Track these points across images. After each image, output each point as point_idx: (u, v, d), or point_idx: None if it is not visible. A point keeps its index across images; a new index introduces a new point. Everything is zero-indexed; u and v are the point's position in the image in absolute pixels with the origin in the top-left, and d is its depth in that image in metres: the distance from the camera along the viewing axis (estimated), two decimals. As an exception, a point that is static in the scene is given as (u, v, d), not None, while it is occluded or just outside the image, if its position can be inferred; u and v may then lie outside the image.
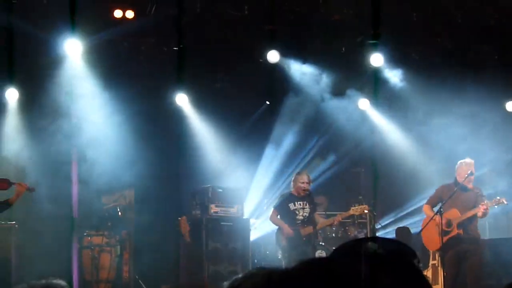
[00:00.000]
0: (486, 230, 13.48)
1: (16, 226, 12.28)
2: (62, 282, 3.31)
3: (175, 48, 13.28)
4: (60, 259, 12.67)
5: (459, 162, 11.35)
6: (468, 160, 11.31)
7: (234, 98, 14.97)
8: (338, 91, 15.15)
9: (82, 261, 12.01)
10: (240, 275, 2.74)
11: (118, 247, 11.83)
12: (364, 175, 15.60)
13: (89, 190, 13.98)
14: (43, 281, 3.30)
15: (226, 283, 2.70)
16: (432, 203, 11.28)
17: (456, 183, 11.16)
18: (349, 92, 15.22)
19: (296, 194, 11.97)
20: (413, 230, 13.73)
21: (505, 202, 11.09)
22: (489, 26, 13.42)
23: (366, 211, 12.69)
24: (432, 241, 11.15)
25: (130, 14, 12.81)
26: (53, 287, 3.25)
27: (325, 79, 14.91)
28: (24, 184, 11.43)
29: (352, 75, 15.00)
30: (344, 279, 1.39)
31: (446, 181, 11.54)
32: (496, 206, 11.13)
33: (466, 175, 11.03)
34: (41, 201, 12.96)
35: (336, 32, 13.92)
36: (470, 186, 11.09)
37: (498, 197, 11.13)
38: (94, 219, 12.70)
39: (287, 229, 11.74)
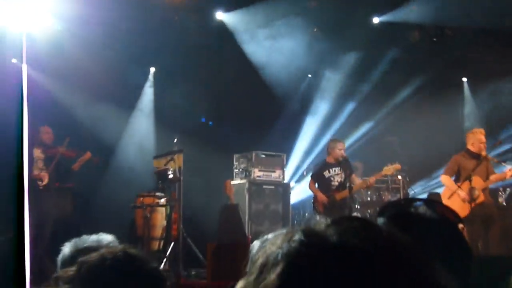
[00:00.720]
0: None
1: (73, 187, 12.51)
2: (110, 236, 3.45)
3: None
4: (114, 217, 12.90)
5: (468, 132, 11.37)
6: (477, 129, 11.32)
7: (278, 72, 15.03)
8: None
9: (135, 219, 12.17)
10: (269, 235, 2.77)
11: (168, 207, 11.95)
12: (397, 143, 15.58)
13: (142, 154, 14.21)
14: (94, 235, 3.44)
15: (256, 241, 2.76)
16: (450, 173, 11.24)
17: (467, 151, 11.17)
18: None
19: (332, 161, 12.04)
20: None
21: None
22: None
23: (398, 171, 12.66)
24: (458, 208, 10.97)
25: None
26: (102, 240, 3.38)
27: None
28: (89, 153, 11.88)
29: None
30: (381, 241, 1.29)
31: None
32: None
33: (478, 143, 11.05)
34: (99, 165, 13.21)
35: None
36: (482, 153, 11.06)
37: None
38: (146, 181, 12.90)
39: (321, 196, 11.94)
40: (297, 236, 1.30)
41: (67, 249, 3.35)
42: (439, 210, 2.29)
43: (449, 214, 2.31)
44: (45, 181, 11.77)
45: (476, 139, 11.10)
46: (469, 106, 16.54)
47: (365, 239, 1.26)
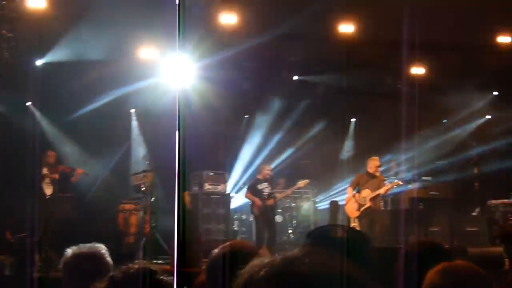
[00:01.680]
0: (389, 203, 13.73)
1: (72, 196, 12.47)
2: (100, 245, 3.44)
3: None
4: (103, 218, 12.87)
5: (368, 158, 11.69)
6: (374, 157, 11.66)
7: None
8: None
9: (118, 220, 12.20)
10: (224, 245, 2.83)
11: (142, 211, 11.98)
12: (310, 165, 15.83)
13: (124, 173, 14.16)
14: (88, 244, 3.44)
15: (215, 250, 2.84)
16: (352, 186, 11.64)
17: (367, 172, 11.51)
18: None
19: (261, 178, 12.21)
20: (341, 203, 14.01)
21: (400, 183, 11.72)
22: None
23: (307, 184, 13.01)
24: (352, 211, 11.48)
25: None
26: (96, 249, 3.39)
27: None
28: (81, 169, 11.86)
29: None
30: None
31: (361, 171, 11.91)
32: (395, 187, 11.53)
33: (374, 167, 11.43)
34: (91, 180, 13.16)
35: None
36: (376, 174, 11.46)
37: (396, 181, 11.63)
38: (127, 192, 12.91)
39: (258, 202, 11.98)
40: (278, 262, 1.28)
41: (68, 253, 3.30)
42: (350, 232, 2.42)
43: (357, 235, 2.43)
44: (50, 191, 11.73)
45: (373, 164, 11.53)
46: (349, 140, 16.75)
47: (331, 268, 1.26)
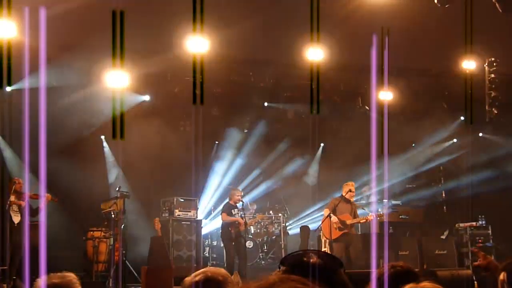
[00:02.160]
0: (359, 228, 13.81)
1: (40, 223, 12.25)
2: (72, 274, 3.40)
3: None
4: (71, 246, 12.69)
5: (344, 183, 11.78)
6: (349, 182, 11.77)
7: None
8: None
9: (86, 248, 12.04)
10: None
11: (112, 238, 11.85)
12: (279, 190, 15.83)
13: (93, 200, 13.98)
14: (59, 274, 3.39)
15: (189, 278, 2.84)
16: (330, 208, 11.68)
17: (342, 196, 11.64)
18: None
19: (233, 203, 12.21)
20: (311, 227, 14.04)
21: (383, 215, 11.94)
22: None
23: (264, 217, 13.84)
24: (330, 233, 11.49)
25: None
26: (67, 278, 3.35)
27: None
28: (49, 195, 11.58)
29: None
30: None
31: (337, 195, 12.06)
32: (378, 218, 11.67)
33: (349, 192, 11.53)
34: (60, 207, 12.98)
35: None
36: (351, 199, 11.59)
37: (380, 212, 11.95)
38: (96, 220, 12.74)
39: (241, 221, 11.94)
40: None
41: (39, 283, 3.21)
42: (323, 257, 2.45)
43: (330, 259, 2.40)
44: (18, 219, 11.52)
45: (348, 189, 11.69)
46: (315, 165, 16.70)
47: None
